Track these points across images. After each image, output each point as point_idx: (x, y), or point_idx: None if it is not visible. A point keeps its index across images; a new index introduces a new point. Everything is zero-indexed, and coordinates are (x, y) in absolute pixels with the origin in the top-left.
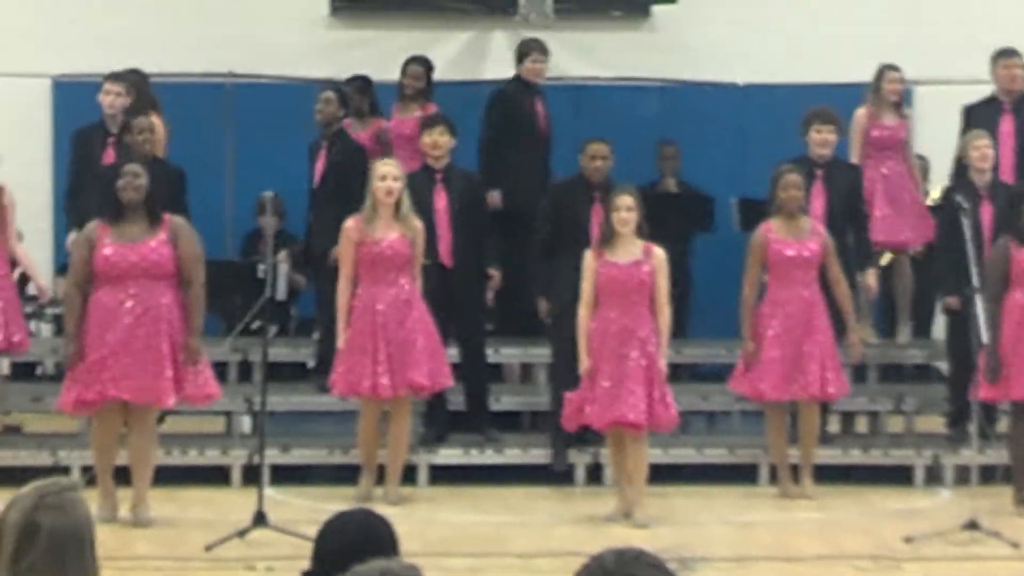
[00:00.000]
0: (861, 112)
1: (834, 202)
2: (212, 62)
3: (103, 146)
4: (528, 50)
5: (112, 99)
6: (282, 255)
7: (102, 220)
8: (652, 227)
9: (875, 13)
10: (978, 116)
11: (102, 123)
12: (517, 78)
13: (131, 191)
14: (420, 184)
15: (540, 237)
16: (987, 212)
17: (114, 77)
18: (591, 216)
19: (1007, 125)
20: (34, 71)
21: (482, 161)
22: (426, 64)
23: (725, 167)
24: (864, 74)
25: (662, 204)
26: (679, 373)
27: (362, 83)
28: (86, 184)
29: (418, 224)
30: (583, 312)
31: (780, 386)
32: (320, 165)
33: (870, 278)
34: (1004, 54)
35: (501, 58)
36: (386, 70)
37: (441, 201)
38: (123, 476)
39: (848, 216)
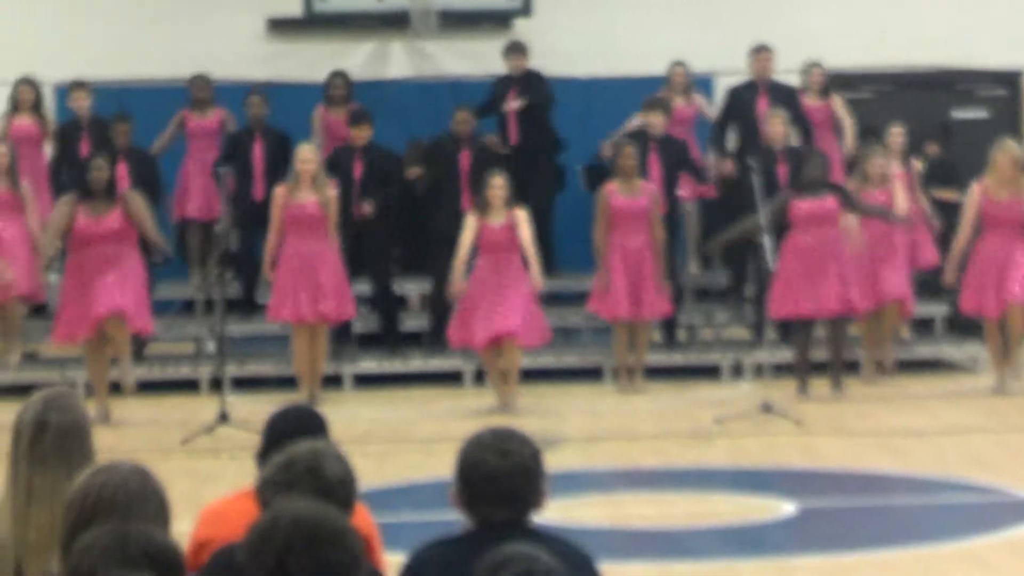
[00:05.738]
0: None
1: (665, 167)
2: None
3: (78, 139)
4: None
5: (79, 103)
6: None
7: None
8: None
9: (679, 21)
10: (738, 96)
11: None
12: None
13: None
14: (344, 157)
15: None
16: (782, 171)
17: (79, 85)
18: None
19: (762, 104)
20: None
21: None
22: (345, 76)
23: (571, 141)
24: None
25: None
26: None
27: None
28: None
29: (332, 191)
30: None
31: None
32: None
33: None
34: (758, 49)
35: (399, 62)
36: (311, 74)
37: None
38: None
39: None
